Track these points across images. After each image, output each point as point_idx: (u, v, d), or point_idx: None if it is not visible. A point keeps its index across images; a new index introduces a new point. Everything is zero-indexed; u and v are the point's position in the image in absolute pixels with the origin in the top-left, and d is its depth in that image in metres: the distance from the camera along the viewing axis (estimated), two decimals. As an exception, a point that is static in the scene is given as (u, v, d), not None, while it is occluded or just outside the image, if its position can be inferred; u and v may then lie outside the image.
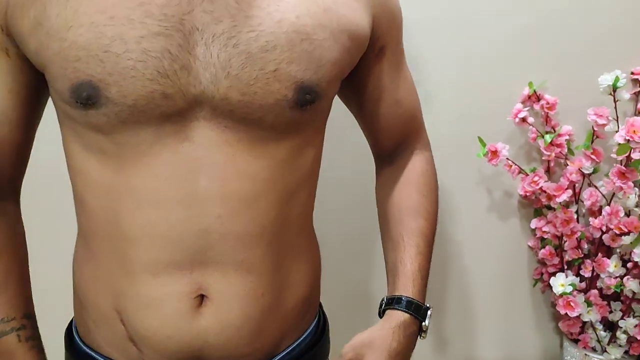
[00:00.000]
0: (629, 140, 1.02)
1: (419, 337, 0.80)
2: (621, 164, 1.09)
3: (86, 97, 0.64)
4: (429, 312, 0.78)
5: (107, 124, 0.66)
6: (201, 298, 0.70)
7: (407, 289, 0.78)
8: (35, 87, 0.72)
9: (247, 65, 0.65)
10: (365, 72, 0.80)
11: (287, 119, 0.69)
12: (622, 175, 1.05)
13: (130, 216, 0.68)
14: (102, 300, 0.73)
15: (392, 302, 0.78)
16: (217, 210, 0.68)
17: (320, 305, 0.88)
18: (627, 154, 1.07)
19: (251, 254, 0.70)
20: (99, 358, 0.75)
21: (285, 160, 0.72)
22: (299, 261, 0.78)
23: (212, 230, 0.68)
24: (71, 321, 0.82)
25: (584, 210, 1.27)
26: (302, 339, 0.80)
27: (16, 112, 0.72)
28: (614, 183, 1.06)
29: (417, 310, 0.77)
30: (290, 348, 0.79)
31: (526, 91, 1.22)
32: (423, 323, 0.78)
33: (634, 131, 1.01)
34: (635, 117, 1.04)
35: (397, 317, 0.77)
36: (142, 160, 0.67)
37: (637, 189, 1.17)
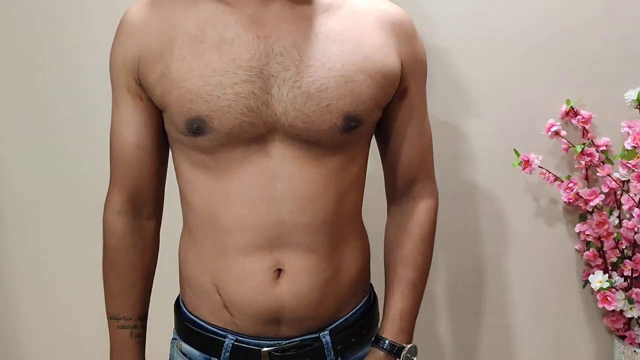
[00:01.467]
0: (635, 147, 1.18)
1: None
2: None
3: (196, 128, 0.89)
4: (404, 351, 0.99)
5: (210, 146, 0.91)
6: (279, 272, 0.94)
7: (387, 331, 1.01)
8: (161, 122, 0.99)
9: (307, 102, 0.89)
10: (391, 108, 0.99)
11: (338, 140, 0.93)
12: (641, 178, 1.21)
13: (226, 212, 0.93)
14: (202, 277, 0.98)
15: (375, 342, 1.01)
16: (289, 207, 0.92)
17: (372, 286, 1.10)
18: (638, 159, 1.22)
19: (314, 239, 0.94)
20: (201, 322, 1.00)
21: (337, 170, 0.95)
22: (351, 247, 1.00)
23: (286, 222, 0.93)
24: (178, 296, 1.08)
25: (627, 216, 1.42)
26: (355, 309, 1.03)
27: (152, 142, 0.99)
28: (638, 187, 1.21)
29: (391, 348, 0.99)
30: (346, 316, 1.02)
31: (564, 108, 1.39)
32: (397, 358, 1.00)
33: (640, 139, 1.17)
34: (644, 127, 1.20)
35: (375, 353, 1.00)
36: (235, 171, 0.92)
37: (669, 194, 1.31)
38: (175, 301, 1.08)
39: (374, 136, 1.05)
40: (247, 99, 0.88)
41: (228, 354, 0.98)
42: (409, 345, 1.00)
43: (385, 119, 1.02)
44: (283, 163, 0.92)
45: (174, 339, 1.07)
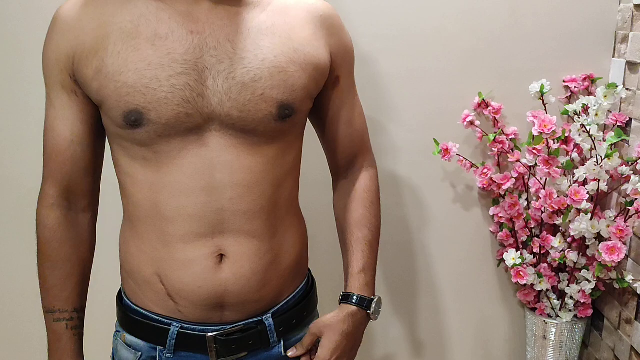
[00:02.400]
0: (541, 133, 1.31)
1: (370, 319, 1.09)
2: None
3: (134, 120, 0.92)
4: (373, 303, 1.07)
5: (149, 138, 0.94)
6: (221, 257, 0.98)
7: (354, 287, 1.08)
8: (97, 117, 1.01)
9: (242, 92, 0.94)
10: (324, 97, 1.08)
11: (273, 128, 0.98)
12: (546, 162, 1.34)
13: (166, 203, 0.97)
14: (145, 268, 1.01)
15: (344, 298, 1.08)
16: (228, 195, 0.97)
17: (309, 270, 1.17)
18: (545, 144, 1.36)
19: (254, 225, 0.99)
20: (145, 312, 1.03)
21: (274, 158, 1.01)
22: (290, 232, 1.06)
23: (226, 209, 0.97)
24: (120, 288, 1.10)
25: (534, 198, 1.56)
26: (295, 292, 1.09)
27: (87, 137, 1.01)
28: (543, 170, 1.34)
29: (361, 302, 1.07)
30: (287, 299, 1.07)
31: (476, 100, 1.51)
32: (368, 311, 1.08)
33: (545, 125, 1.31)
34: (546, 115, 1.34)
35: (348, 308, 1.07)
36: (173, 162, 0.96)
37: (570, 176, 1.46)
38: (118, 293, 1.10)
39: (311, 122, 1.12)
40: (182, 90, 0.91)
41: (174, 341, 1.01)
42: (376, 298, 1.09)
43: (321, 106, 1.09)
44: (221, 152, 0.96)
45: (117, 331, 1.08)
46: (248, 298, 1.01)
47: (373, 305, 1.08)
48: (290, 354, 1.04)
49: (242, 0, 0.97)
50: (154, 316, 1.02)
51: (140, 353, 1.03)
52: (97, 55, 0.93)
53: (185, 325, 1.01)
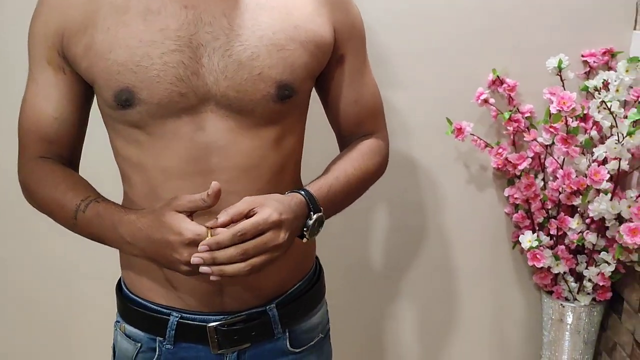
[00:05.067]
0: (560, 111, 1.20)
1: (305, 228, 0.88)
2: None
3: (125, 100, 0.85)
4: (314, 216, 0.87)
5: (140, 119, 0.86)
6: None
7: (313, 188, 0.90)
8: (85, 95, 0.94)
9: (239, 70, 0.86)
10: (328, 75, 0.99)
11: (272, 109, 0.89)
12: (564, 141, 1.23)
13: (163, 186, 0.89)
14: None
15: (297, 189, 0.90)
16: (224, 177, 0.87)
17: (317, 258, 1.08)
18: (564, 122, 1.25)
19: None
20: (144, 302, 0.95)
21: (274, 141, 0.92)
22: None
23: (222, 191, 0.85)
24: (120, 278, 1.02)
25: (550, 178, 1.45)
26: (301, 281, 1.00)
27: (72, 115, 0.94)
28: (561, 149, 1.23)
29: (311, 200, 0.88)
30: (293, 288, 0.99)
31: (490, 77, 1.40)
32: (308, 220, 0.87)
33: (564, 102, 1.19)
34: (566, 92, 1.22)
35: (294, 194, 0.88)
36: (168, 146, 0.88)
37: (589, 155, 1.35)
38: (117, 283, 1.03)
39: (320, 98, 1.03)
40: (176, 68, 0.84)
41: (173, 332, 0.93)
42: (319, 214, 0.90)
43: (325, 85, 1.00)
44: (217, 135, 0.88)
45: (116, 321, 1.01)
46: (249, 286, 0.93)
47: (314, 217, 0.88)
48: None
49: None
50: (153, 306, 0.95)
51: (139, 344, 0.96)
52: (86, 32, 0.85)
53: (185, 314, 0.93)
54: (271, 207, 0.81)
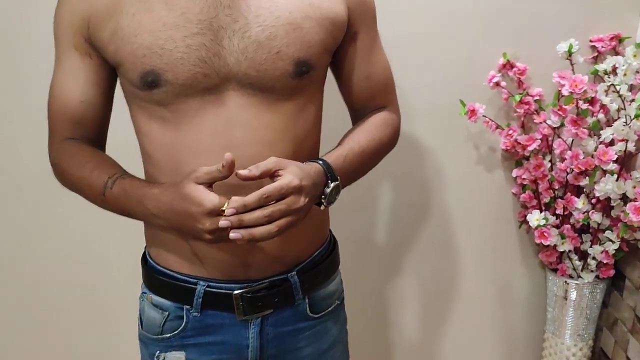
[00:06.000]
0: (572, 93, 1.22)
1: (321, 204, 0.91)
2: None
3: (151, 81, 0.87)
4: (332, 184, 0.90)
5: (166, 98, 0.89)
6: None
7: (330, 158, 0.93)
8: (109, 79, 0.96)
9: (258, 50, 0.88)
10: (341, 52, 1.01)
11: (291, 85, 0.91)
12: (574, 123, 1.25)
13: (186, 162, 0.90)
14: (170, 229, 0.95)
15: (315, 160, 0.93)
16: (248, 152, 0.89)
17: (330, 231, 1.11)
18: (575, 104, 1.27)
19: None
20: (170, 272, 0.98)
21: (294, 114, 0.94)
22: None
23: (246, 166, 0.87)
24: (144, 250, 1.05)
25: (557, 160, 1.47)
26: (318, 251, 1.03)
27: (97, 98, 0.96)
28: (571, 131, 1.26)
29: (328, 169, 0.91)
30: (311, 257, 1.02)
31: (501, 60, 1.42)
32: (326, 188, 0.90)
33: (576, 85, 1.21)
34: (578, 75, 1.24)
35: (313, 163, 0.91)
36: (192, 122, 0.90)
37: (596, 137, 1.37)
38: (142, 255, 1.05)
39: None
40: (198, 50, 0.86)
41: (200, 300, 0.96)
42: (337, 182, 0.92)
43: (338, 61, 1.02)
44: (239, 111, 0.90)
45: (143, 292, 1.04)
46: (272, 256, 0.96)
47: (331, 185, 0.90)
48: (243, 172, 0.83)
49: None
50: (179, 276, 0.97)
51: (167, 312, 0.99)
52: (112, 18, 0.88)
53: (212, 283, 0.96)
54: (292, 173, 0.84)
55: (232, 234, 0.81)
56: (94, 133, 0.99)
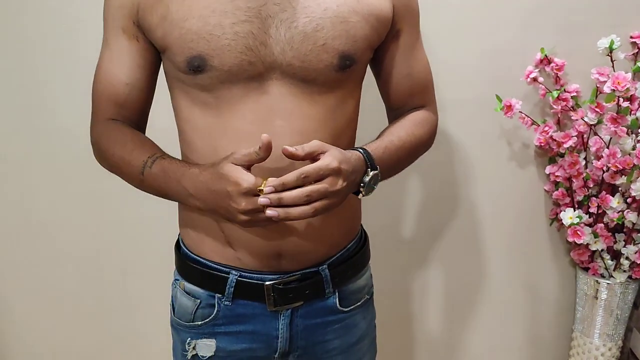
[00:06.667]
0: (614, 90, 1.18)
1: (359, 193, 0.91)
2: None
3: (197, 66, 0.87)
4: (371, 173, 0.89)
5: (210, 84, 0.89)
6: None
7: (370, 148, 0.92)
8: (154, 63, 0.96)
9: (304, 42, 0.87)
10: (383, 49, 0.99)
11: (333, 78, 0.91)
12: (614, 120, 1.22)
13: (226, 149, 0.89)
14: (204, 216, 0.95)
15: (355, 148, 0.92)
16: (288, 141, 0.88)
17: (362, 225, 1.10)
18: (615, 102, 1.23)
19: None
20: (204, 260, 0.98)
21: (334, 106, 0.93)
22: None
23: (285, 156, 0.86)
24: (178, 237, 1.05)
25: (592, 157, 1.44)
26: (349, 245, 1.02)
27: (142, 81, 0.96)
28: (610, 128, 1.22)
29: (368, 157, 0.90)
30: (342, 251, 1.01)
31: (538, 56, 1.38)
32: (365, 176, 0.90)
33: (619, 82, 1.18)
34: (620, 72, 1.20)
35: (353, 151, 0.90)
36: (234, 108, 0.90)
37: (634, 135, 1.33)
38: (176, 243, 1.05)
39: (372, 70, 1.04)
40: (246, 38, 0.86)
41: (232, 289, 0.96)
42: (376, 171, 0.91)
43: (380, 58, 1.01)
44: (281, 100, 0.90)
45: (175, 279, 1.04)
46: (304, 248, 0.95)
47: (370, 173, 0.90)
48: (290, 149, 0.83)
49: None
50: (212, 264, 0.97)
51: (199, 300, 0.99)
52: (162, 2, 0.88)
53: (244, 273, 0.96)
54: (332, 156, 0.84)
55: (269, 212, 0.82)
56: (136, 116, 0.99)
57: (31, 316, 1.68)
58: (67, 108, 1.48)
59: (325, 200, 0.83)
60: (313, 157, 0.84)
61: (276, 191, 0.81)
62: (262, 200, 0.81)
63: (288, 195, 0.81)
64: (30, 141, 1.53)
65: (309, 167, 0.82)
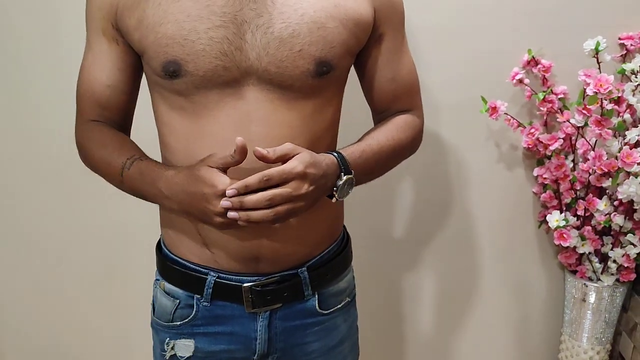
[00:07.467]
0: (596, 93, 1.17)
1: (333, 197, 0.89)
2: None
3: (172, 71, 0.86)
4: (344, 177, 0.88)
5: (186, 89, 0.88)
6: None
7: (346, 152, 0.91)
8: (135, 65, 0.95)
9: (280, 47, 0.86)
10: (366, 53, 0.98)
11: (310, 84, 0.89)
12: (598, 123, 1.20)
13: (203, 153, 0.88)
14: (182, 218, 0.94)
15: (330, 152, 0.91)
16: (263, 147, 0.86)
17: (344, 227, 1.08)
18: (599, 104, 1.21)
19: None
20: (182, 261, 0.97)
21: (311, 113, 0.92)
22: None
23: (259, 161, 0.86)
24: (160, 238, 1.04)
25: (580, 160, 1.42)
26: (330, 247, 1.01)
27: (123, 83, 0.96)
28: (594, 131, 1.20)
29: (342, 161, 0.89)
30: (322, 253, 1.00)
31: (525, 57, 1.37)
32: (338, 180, 0.88)
33: (601, 85, 1.16)
34: (604, 74, 1.19)
35: (327, 154, 0.89)
36: (211, 114, 0.88)
37: (621, 138, 1.31)
38: (157, 243, 1.05)
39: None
40: (220, 43, 0.85)
41: (210, 290, 0.95)
42: (350, 176, 0.89)
43: (363, 62, 0.99)
44: (258, 106, 0.88)
45: (156, 279, 1.03)
46: (283, 251, 0.94)
47: (344, 178, 0.88)
48: (262, 151, 0.82)
49: None
50: (191, 265, 0.96)
51: (178, 300, 0.98)
52: (139, 6, 0.87)
53: (222, 275, 0.95)
54: (298, 159, 0.83)
55: (230, 214, 0.81)
56: (119, 117, 0.99)
57: (15, 317, 1.67)
58: (52, 109, 1.47)
59: (289, 204, 0.82)
60: (284, 160, 0.83)
61: (239, 194, 0.80)
62: (223, 203, 0.81)
63: (249, 198, 0.81)
64: (15, 142, 1.52)
65: (272, 170, 0.81)
